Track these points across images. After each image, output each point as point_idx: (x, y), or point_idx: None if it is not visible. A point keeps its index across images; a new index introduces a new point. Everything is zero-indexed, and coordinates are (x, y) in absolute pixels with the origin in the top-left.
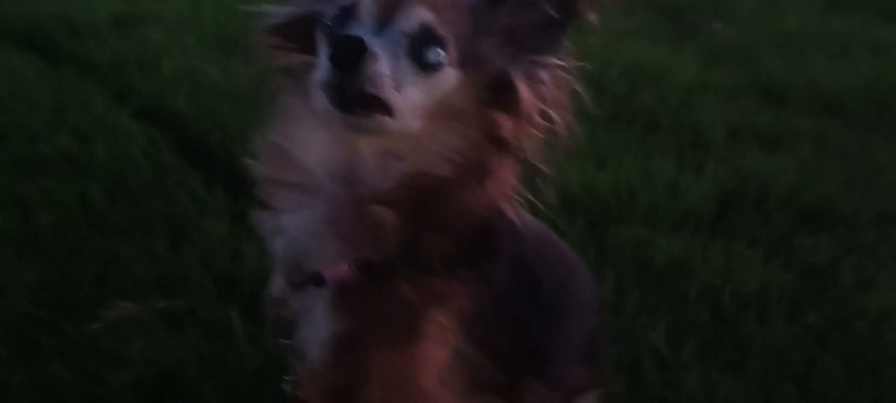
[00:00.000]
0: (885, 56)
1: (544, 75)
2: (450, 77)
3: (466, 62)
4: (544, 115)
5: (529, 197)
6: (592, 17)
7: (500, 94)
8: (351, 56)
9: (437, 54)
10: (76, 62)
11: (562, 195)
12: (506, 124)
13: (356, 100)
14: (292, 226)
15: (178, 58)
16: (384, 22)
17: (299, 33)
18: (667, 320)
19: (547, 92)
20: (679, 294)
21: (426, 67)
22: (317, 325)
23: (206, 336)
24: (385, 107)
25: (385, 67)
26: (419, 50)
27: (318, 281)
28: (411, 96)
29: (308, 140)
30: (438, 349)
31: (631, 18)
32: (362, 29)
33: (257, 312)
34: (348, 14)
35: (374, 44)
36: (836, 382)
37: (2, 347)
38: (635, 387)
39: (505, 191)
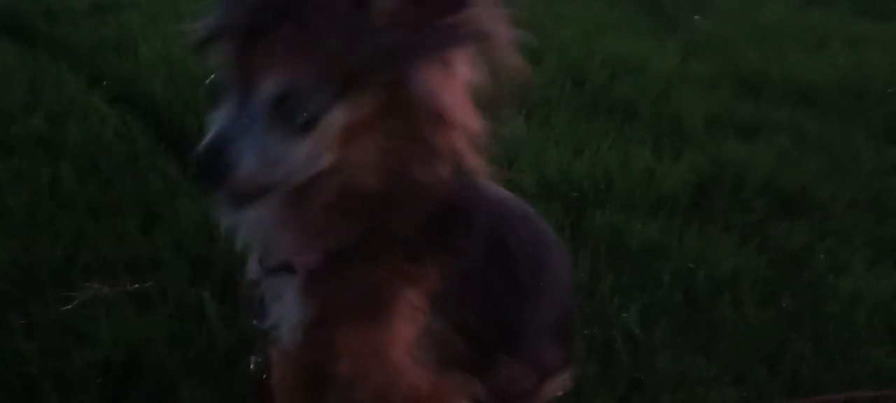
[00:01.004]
0: (859, 48)
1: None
2: (333, 119)
3: (353, 84)
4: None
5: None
6: None
7: (412, 85)
8: (212, 174)
9: (305, 113)
10: (52, 46)
11: (539, 180)
12: (431, 106)
13: (236, 199)
14: (251, 221)
15: (154, 43)
16: (247, 89)
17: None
18: (640, 302)
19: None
20: (653, 277)
21: (300, 128)
22: (289, 309)
23: (177, 316)
24: (271, 188)
25: (250, 163)
26: (287, 115)
27: (288, 268)
28: (294, 162)
29: None
30: (408, 326)
31: (613, 12)
32: (230, 99)
33: (230, 294)
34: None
35: (237, 133)
36: (807, 363)
37: None
38: (608, 368)
39: (460, 164)
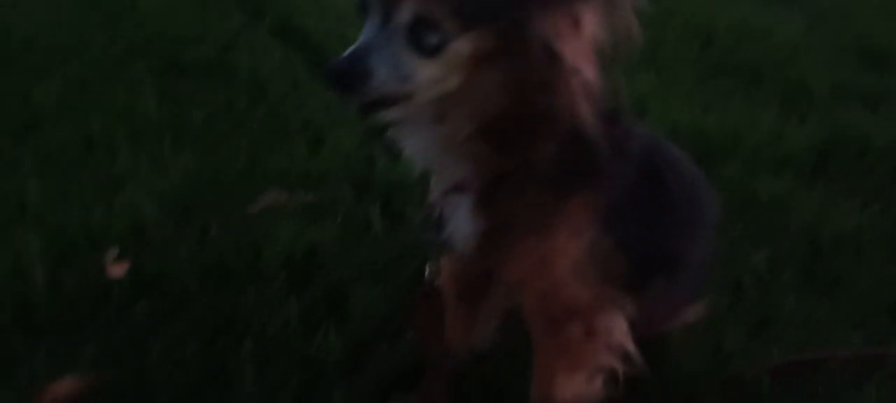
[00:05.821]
0: None
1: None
2: (459, 47)
3: (479, 20)
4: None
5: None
6: None
7: (535, 29)
8: (348, 79)
9: (435, 38)
10: None
11: (670, 131)
12: (551, 51)
13: (367, 105)
14: (415, 150)
15: None
16: (387, 14)
17: None
18: (768, 248)
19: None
20: (780, 227)
21: (429, 51)
22: (462, 223)
23: (346, 227)
24: (397, 100)
25: (383, 73)
26: (417, 37)
27: (459, 189)
28: (422, 79)
29: None
30: (572, 241)
31: None
32: (371, 21)
33: (392, 211)
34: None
35: (375, 49)
36: None
37: (166, 218)
38: (736, 304)
39: (585, 99)
